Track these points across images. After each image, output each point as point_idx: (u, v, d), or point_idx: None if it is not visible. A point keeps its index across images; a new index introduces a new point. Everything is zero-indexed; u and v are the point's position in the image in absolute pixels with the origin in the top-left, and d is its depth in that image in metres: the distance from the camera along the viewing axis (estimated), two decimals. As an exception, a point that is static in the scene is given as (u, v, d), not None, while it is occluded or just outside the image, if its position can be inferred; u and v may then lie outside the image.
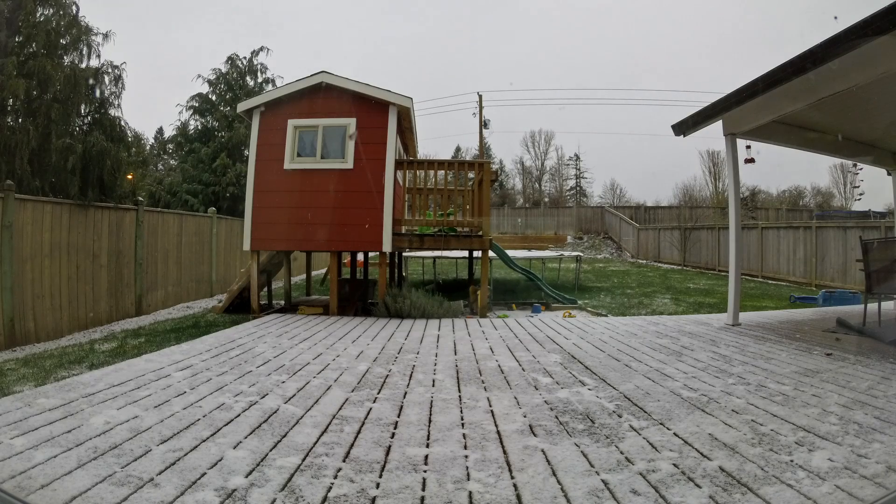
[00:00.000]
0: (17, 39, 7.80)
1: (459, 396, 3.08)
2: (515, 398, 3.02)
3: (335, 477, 1.99)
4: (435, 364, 3.93)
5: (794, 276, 12.13)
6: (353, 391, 3.16)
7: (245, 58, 16.40)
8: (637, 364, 3.83)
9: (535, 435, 2.43)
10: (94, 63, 8.41)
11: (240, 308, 7.43)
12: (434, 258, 11.71)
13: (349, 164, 6.75)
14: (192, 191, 14.48)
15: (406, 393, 3.14)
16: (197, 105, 16.10)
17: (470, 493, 1.87)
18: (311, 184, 6.84)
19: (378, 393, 3.14)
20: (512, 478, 1.99)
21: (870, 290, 4.89)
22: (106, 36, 8.59)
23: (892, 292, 5.16)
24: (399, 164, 7.05)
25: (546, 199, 40.05)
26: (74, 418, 2.52)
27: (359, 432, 2.47)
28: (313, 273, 10.22)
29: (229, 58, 16.26)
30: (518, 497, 1.84)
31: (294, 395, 3.05)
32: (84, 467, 1.97)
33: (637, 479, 1.95)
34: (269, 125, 6.94)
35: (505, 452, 2.23)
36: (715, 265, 15.49)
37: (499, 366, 3.85)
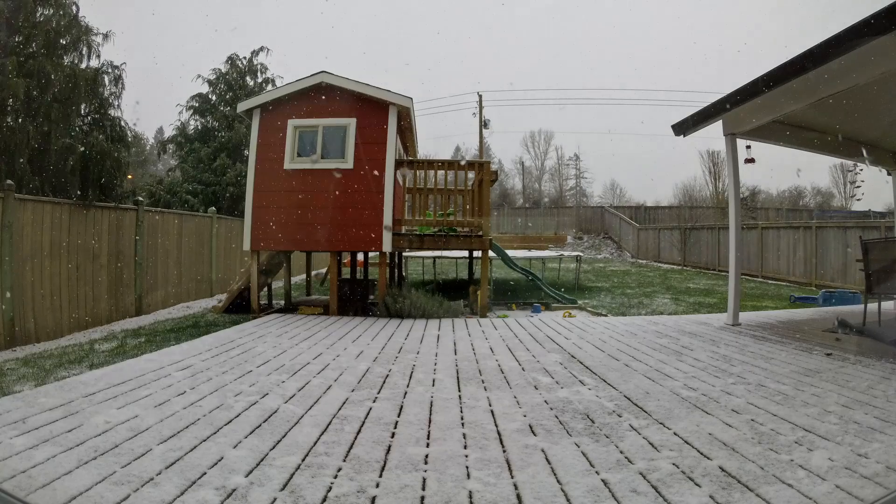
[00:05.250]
0: (17, 39, 7.80)
1: (459, 396, 3.08)
2: (515, 398, 3.02)
3: (335, 476, 1.99)
4: (435, 364, 3.93)
5: (794, 276, 12.13)
6: (353, 391, 3.16)
7: (245, 58, 16.40)
8: (637, 364, 3.83)
9: (534, 434, 2.43)
10: (94, 63, 8.43)
11: (240, 308, 7.43)
12: (434, 258, 11.71)
13: (349, 164, 6.76)
14: (192, 191, 14.47)
15: (406, 392, 3.14)
16: (197, 105, 16.10)
17: (470, 492, 1.87)
18: (311, 184, 6.84)
19: (378, 392, 3.14)
20: (512, 477, 1.99)
21: (870, 290, 4.89)
22: (106, 36, 8.60)
23: (892, 292, 5.16)
24: (399, 164, 7.05)
25: (546, 199, 40.06)
26: (75, 418, 2.52)
27: (359, 431, 2.47)
28: (313, 273, 10.22)
29: (229, 58, 16.27)
30: (518, 496, 1.84)
31: (294, 394, 3.06)
32: (84, 466, 1.97)
33: (637, 478, 1.95)
34: (269, 125, 6.94)
35: (505, 451, 2.23)
36: (715, 265, 15.49)
37: (499, 365, 3.85)
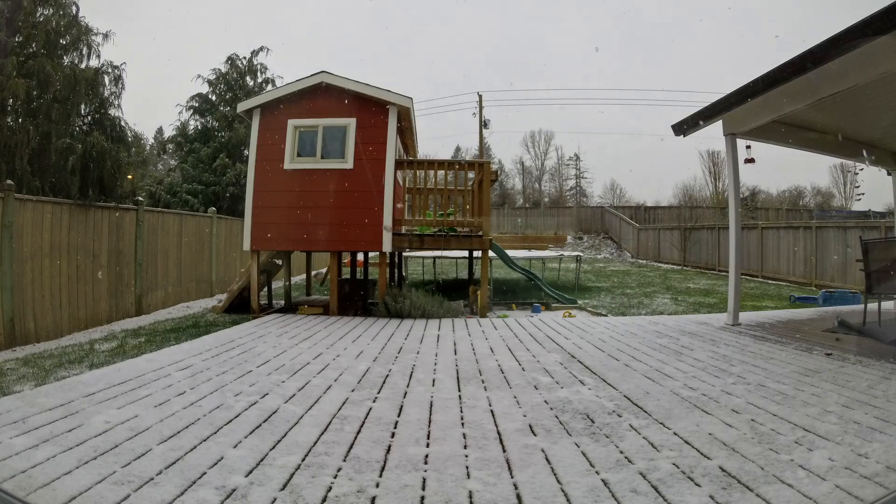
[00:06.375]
0: (17, 39, 7.81)
1: (459, 396, 3.08)
2: (515, 397, 3.02)
3: (335, 476, 1.99)
4: (435, 364, 3.93)
5: (794, 276, 12.13)
6: (353, 391, 3.16)
7: (245, 58, 16.41)
8: (637, 364, 3.83)
9: (534, 434, 2.43)
10: (94, 63, 8.45)
11: (240, 308, 7.43)
12: (434, 258, 11.71)
13: (349, 164, 6.76)
14: (192, 191, 14.48)
15: (406, 392, 3.14)
16: (197, 105, 16.11)
17: (470, 491, 1.87)
18: (311, 184, 6.84)
19: (378, 392, 3.14)
20: (512, 477, 1.99)
21: (870, 290, 4.88)
22: (106, 36, 8.62)
23: (892, 292, 5.16)
24: (399, 164, 7.05)
25: (546, 199, 40.06)
26: (75, 418, 2.52)
27: (359, 431, 2.47)
28: (313, 273, 10.22)
29: (229, 58, 16.28)
30: (518, 496, 1.84)
31: (294, 394, 3.06)
32: (84, 466, 1.97)
33: (637, 478, 1.95)
34: (269, 125, 6.94)
35: (505, 451, 2.23)
36: (715, 265, 15.49)
37: (499, 365, 3.85)
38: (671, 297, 9.48)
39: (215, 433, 2.38)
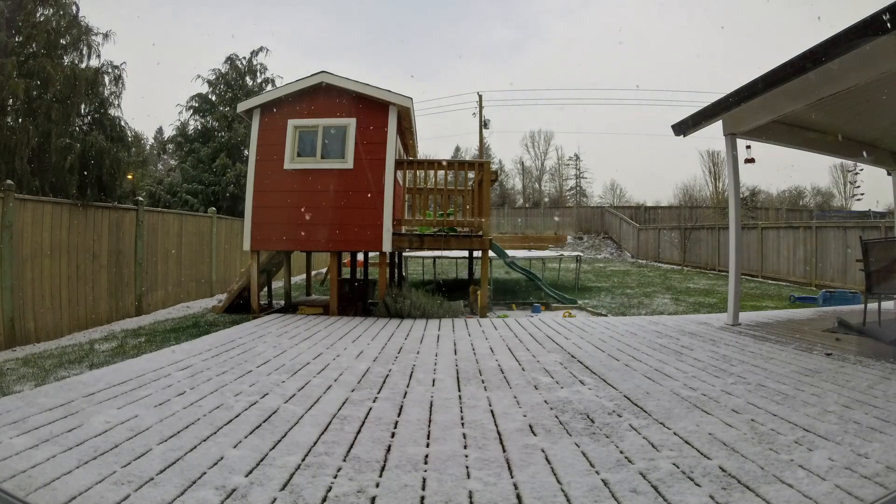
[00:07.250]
0: (17, 39, 7.80)
1: (459, 396, 3.08)
2: (515, 397, 3.02)
3: (335, 476, 1.99)
4: (435, 364, 3.93)
5: (794, 276, 12.13)
6: (353, 391, 3.16)
7: (244, 58, 16.42)
8: (637, 363, 3.83)
9: (534, 434, 2.43)
10: (94, 63, 8.42)
11: (240, 308, 7.43)
12: (434, 258, 11.71)
13: (349, 164, 6.75)
14: (192, 191, 14.48)
15: (406, 392, 3.14)
16: (197, 105, 16.11)
17: (470, 491, 1.87)
18: (312, 184, 6.84)
19: (378, 392, 3.14)
20: (512, 477, 1.99)
21: (870, 290, 4.88)
22: (106, 36, 8.59)
23: (892, 292, 5.16)
24: (399, 164, 7.05)
25: (546, 199, 40.07)
26: (75, 418, 2.52)
27: (359, 431, 2.47)
28: (313, 273, 10.22)
29: (229, 58, 16.28)
30: (518, 496, 1.84)
31: (294, 394, 3.05)
32: (84, 466, 1.97)
33: (637, 478, 1.95)
34: (269, 125, 6.94)
35: (505, 451, 2.23)
36: (715, 265, 15.49)
37: (499, 365, 3.85)
38: (671, 297, 9.48)
39: (215, 433, 2.38)
